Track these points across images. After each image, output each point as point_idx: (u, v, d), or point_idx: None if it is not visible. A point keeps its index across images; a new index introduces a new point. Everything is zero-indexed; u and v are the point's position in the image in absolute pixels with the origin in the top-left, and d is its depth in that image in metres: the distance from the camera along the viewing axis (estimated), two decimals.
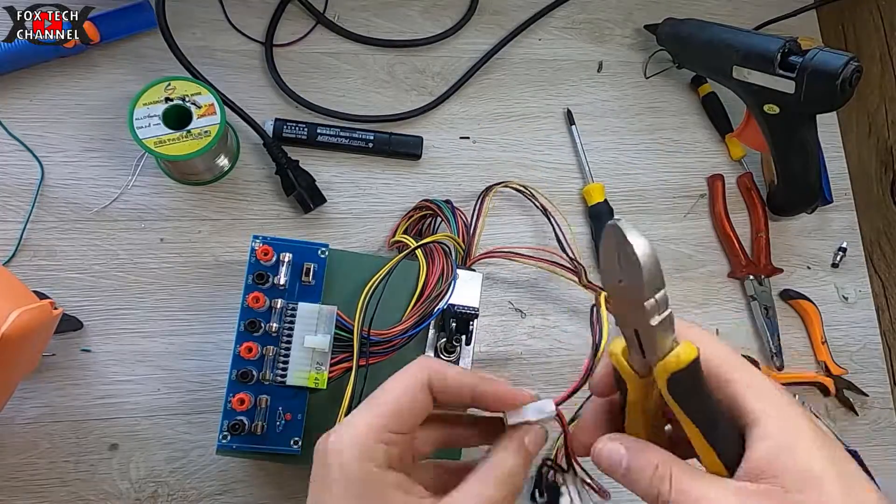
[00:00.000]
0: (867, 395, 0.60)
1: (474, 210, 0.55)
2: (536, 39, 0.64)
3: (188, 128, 0.49)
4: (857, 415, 0.60)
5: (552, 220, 0.55)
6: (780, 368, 0.58)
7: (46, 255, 0.52)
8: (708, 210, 0.62)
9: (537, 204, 0.56)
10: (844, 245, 0.63)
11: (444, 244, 0.50)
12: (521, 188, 0.56)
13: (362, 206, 0.57)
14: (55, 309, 0.42)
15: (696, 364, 0.26)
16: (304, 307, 0.44)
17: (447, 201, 0.54)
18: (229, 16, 0.59)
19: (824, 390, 0.59)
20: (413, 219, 0.55)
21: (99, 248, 0.52)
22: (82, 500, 0.48)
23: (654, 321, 0.25)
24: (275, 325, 0.44)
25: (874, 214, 0.64)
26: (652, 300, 0.25)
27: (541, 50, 0.64)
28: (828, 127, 0.66)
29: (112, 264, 0.52)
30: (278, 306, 0.44)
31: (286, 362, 0.43)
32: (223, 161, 0.55)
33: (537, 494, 0.49)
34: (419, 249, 0.49)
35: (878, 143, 0.64)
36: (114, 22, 0.55)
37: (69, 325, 0.50)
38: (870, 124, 0.65)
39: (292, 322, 0.44)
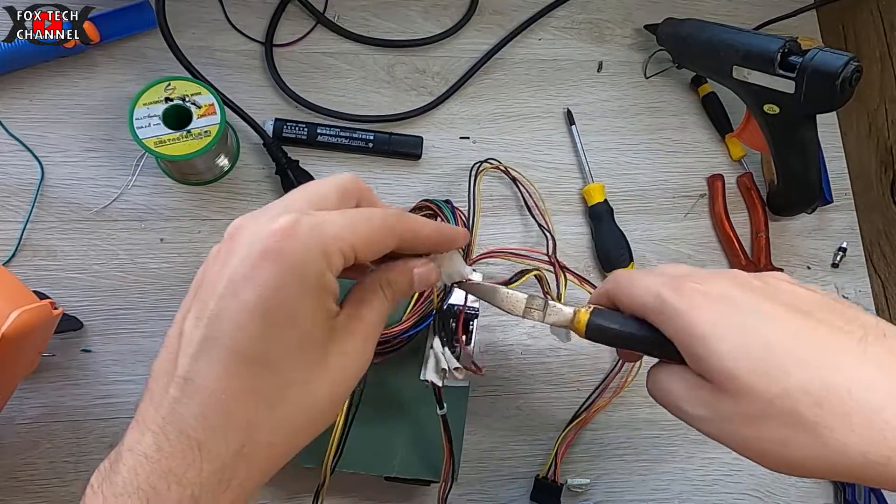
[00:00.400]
0: None
1: (470, 193, 0.55)
2: (536, 39, 0.64)
3: (188, 128, 0.49)
4: None
5: (523, 190, 0.57)
6: None
7: (46, 255, 0.52)
8: (708, 210, 0.62)
9: (510, 177, 0.58)
10: (844, 245, 0.63)
11: None
12: (502, 168, 0.58)
13: None
14: (55, 309, 0.42)
15: (591, 325, 0.35)
16: None
17: (447, 201, 0.54)
18: (229, 16, 0.59)
19: None
20: None
21: (99, 248, 0.52)
22: None
23: (546, 318, 0.36)
24: None
25: (874, 214, 0.64)
26: (532, 312, 0.36)
27: (541, 50, 0.64)
28: (828, 127, 0.66)
29: (112, 264, 0.52)
30: None
31: None
32: (223, 161, 0.55)
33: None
34: None
35: (878, 143, 0.64)
36: (114, 22, 0.55)
37: (69, 325, 0.50)
38: (870, 124, 0.65)
39: None
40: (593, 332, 0.35)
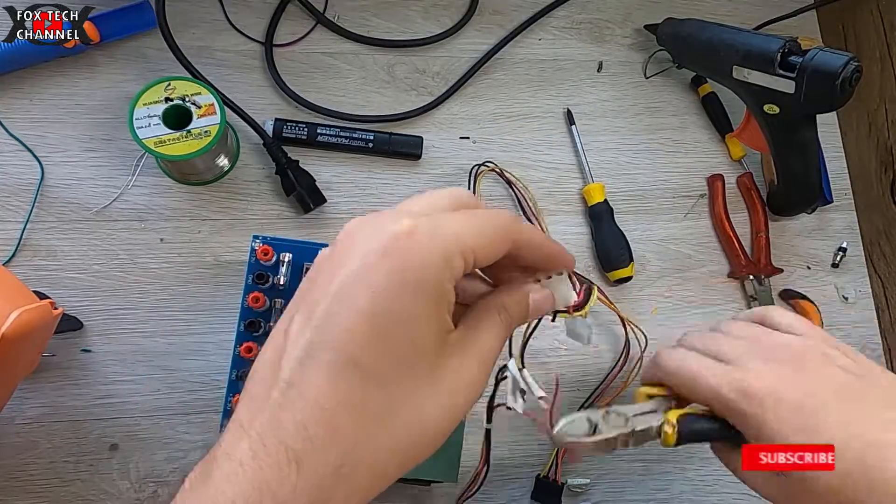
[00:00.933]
0: None
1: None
2: (536, 39, 0.64)
3: (188, 128, 0.49)
4: None
5: (518, 193, 0.57)
6: None
7: (46, 255, 0.52)
8: (708, 210, 0.62)
9: (504, 180, 0.58)
10: (844, 245, 0.63)
11: None
12: (497, 171, 0.58)
13: (362, 206, 0.57)
14: (55, 309, 0.42)
15: (681, 438, 0.36)
16: None
17: None
18: (229, 16, 0.59)
19: None
20: None
21: (99, 248, 0.52)
22: (82, 500, 0.48)
23: (631, 445, 0.36)
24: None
25: (874, 214, 0.64)
26: (614, 446, 0.36)
27: (541, 50, 0.64)
28: (828, 127, 0.66)
29: (112, 264, 0.52)
30: (278, 306, 0.44)
31: None
32: (223, 161, 0.55)
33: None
34: None
35: (878, 143, 0.64)
36: (114, 22, 0.55)
37: (69, 325, 0.50)
38: (870, 124, 0.65)
39: None
40: (682, 442, 0.37)
